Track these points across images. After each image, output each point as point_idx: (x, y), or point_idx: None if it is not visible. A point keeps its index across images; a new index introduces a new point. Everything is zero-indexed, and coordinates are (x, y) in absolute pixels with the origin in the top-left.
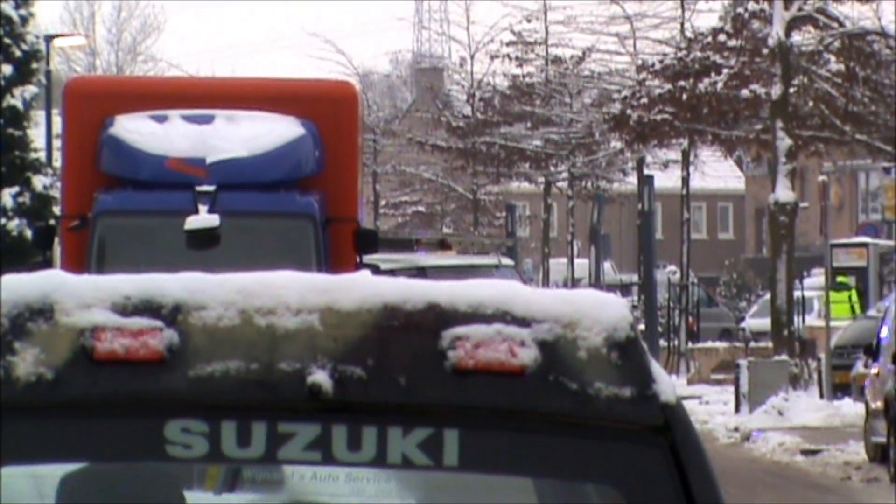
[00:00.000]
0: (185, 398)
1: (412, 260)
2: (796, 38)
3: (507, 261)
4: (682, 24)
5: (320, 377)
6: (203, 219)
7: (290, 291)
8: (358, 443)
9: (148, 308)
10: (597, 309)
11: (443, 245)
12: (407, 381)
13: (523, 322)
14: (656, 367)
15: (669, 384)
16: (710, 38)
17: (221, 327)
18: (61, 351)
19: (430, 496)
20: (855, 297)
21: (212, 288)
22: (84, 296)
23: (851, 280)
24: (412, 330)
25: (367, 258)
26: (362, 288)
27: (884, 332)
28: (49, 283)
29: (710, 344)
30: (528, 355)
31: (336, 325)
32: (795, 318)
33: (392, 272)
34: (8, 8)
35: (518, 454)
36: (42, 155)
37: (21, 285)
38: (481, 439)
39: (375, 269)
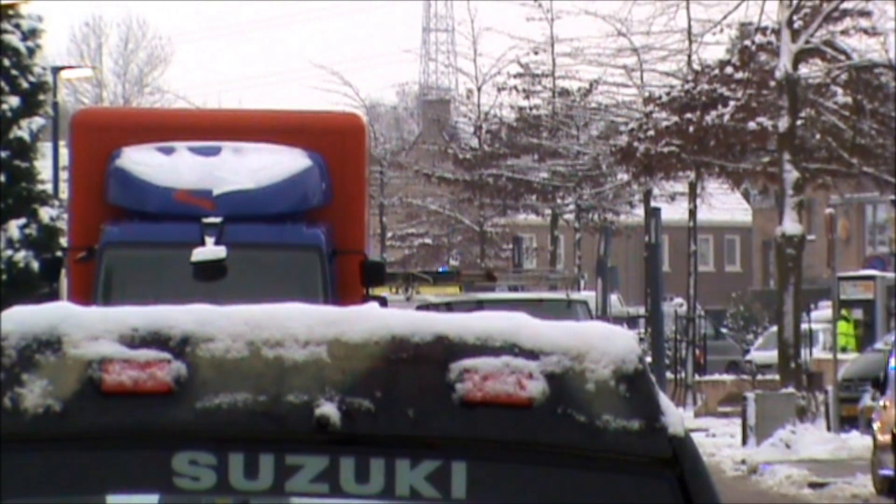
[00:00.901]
0: (192, 430)
1: (472, 295)
2: (804, 70)
3: (578, 295)
4: (689, 57)
5: (328, 409)
6: (210, 250)
7: (297, 323)
8: (366, 475)
9: (156, 340)
10: (605, 341)
11: (489, 276)
12: (415, 413)
13: (531, 354)
14: (664, 400)
15: (678, 416)
16: (717, 71)
17: (229, 359)
18: (69, 383)
19: None
20: (845, 328)
21: (220, 320)
22: (92, 328)
23: (852, 313)
24: (420, 362)
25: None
26: (370, 320)
27: (892, 364)
28: (57, 314)
29: (717, 377)
30: (536, 388)
31: (344, 357)
32: (802, 351)
33: (448, 305)
34: (15, 40)
35: (526, 487)
36: (49, 186)
37: (29, 317)
38: (489, 472)
39: (382, 301)
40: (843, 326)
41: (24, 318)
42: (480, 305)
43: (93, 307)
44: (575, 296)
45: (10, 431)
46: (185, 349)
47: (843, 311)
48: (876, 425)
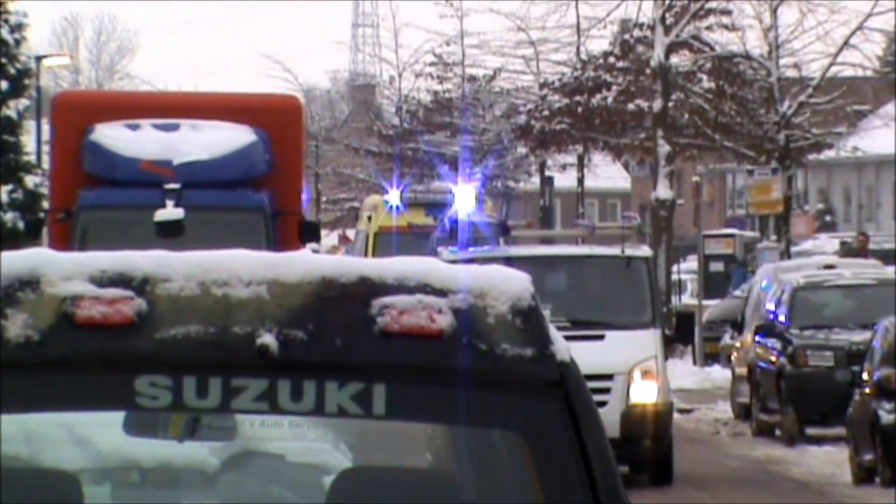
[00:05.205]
0: (152, 357)
1: (502, 250)
2: (674, 59)
3: (636, 251)
4: (578, 48)
5: (268, 339)
6: (170, 212)
7: (242, 266)
8: (300, 395)
9: (121, 280)
10: (503, 282)
11: (505, 230)
12: (342, 342)
13: (441, 293)
14: (553, 332)
15: (564, 346)
16: (601, 60)
17: (183, 296)
18: (46, 316)
19: (361, 440)
20: None
21: (175, 263)
22: (66, 269)
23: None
24: (346, 299)
25: None
26: (304, 263)
27: (748, 308)
28: (36, 258)
29: None
30: (444, 321)
31: (281, 294)
32: (673, 298)
33: (471, 261)
34: (3, 32)
35: (437, 405)
36: (33, 158)
37: (12, 261)
38: (405, 392)
39: (314, 251)
40: None
41: (8, 261)
42: (508, 263)
43: (67, 252)
44: (633, 251)
45: None
46: (146, 288)
47: None
48: (734, 360)
